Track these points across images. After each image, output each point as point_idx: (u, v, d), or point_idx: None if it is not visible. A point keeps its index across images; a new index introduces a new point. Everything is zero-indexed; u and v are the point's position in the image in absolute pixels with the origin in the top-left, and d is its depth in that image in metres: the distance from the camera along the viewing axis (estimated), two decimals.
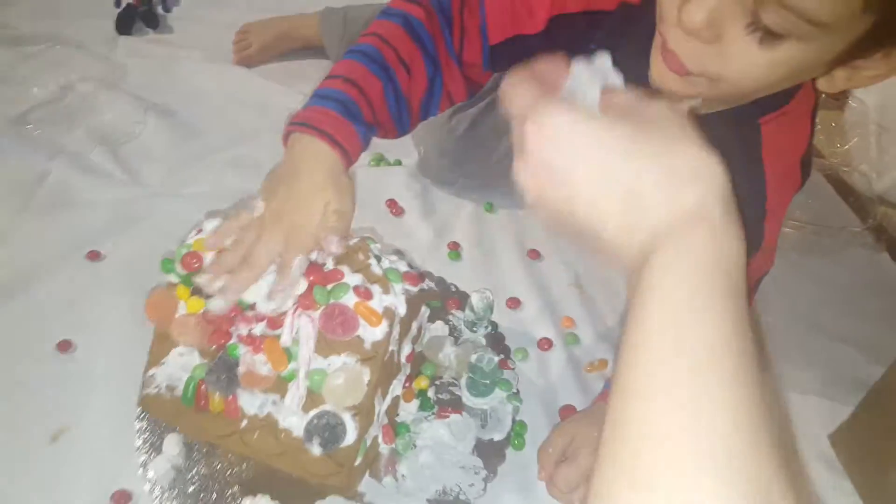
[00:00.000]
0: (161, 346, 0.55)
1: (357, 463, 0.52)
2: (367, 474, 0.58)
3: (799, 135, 0.56)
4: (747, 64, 0.43)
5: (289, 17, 1.16)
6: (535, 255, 0.80)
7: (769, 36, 0.41)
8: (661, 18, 0.46)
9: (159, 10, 1.25)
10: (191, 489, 0.57)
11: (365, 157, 0.93)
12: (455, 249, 0.79)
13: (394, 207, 0.84)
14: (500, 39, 0.57)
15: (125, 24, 1.19)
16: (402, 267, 0.53)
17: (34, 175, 0.88)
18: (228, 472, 0.58)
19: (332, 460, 0.50)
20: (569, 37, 0.55)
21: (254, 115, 1.03)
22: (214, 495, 0.57)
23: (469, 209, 0.85)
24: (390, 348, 0.53)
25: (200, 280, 0.50)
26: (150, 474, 0.57)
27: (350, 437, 0.50)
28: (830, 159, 0.89)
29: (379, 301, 0.50)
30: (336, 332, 0.49)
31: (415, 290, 0.53)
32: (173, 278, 0.53)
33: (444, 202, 0.86)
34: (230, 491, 0.57)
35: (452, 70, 0.59)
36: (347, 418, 0.50)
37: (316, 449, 0.49)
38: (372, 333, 0.50)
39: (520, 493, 0.58)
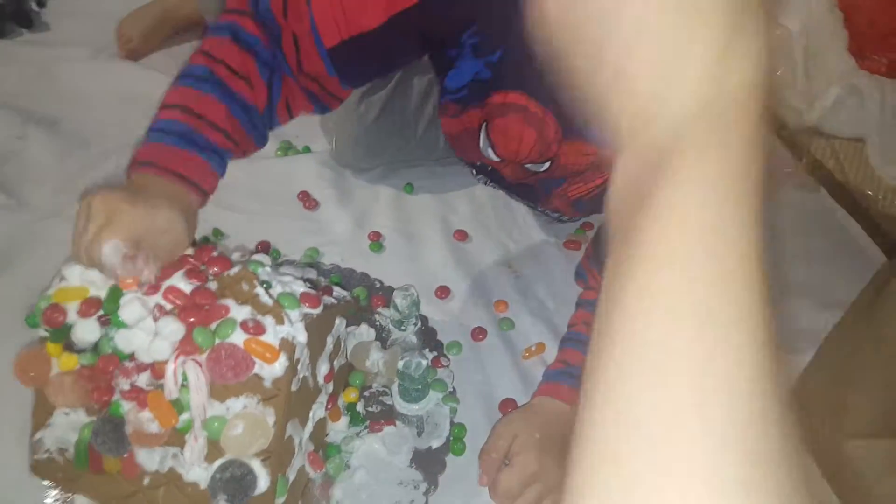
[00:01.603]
0: (43, 407, 0.49)
1: (281, 501, 0.48)
2: None
3: None
4: None
5: (163, 0, 1.07)
6: (461, 235, 0.75)
7: None
8: None
9: (32, 5, 1.13)
10: None
11: (272, 146, 0.86)
12: (376, 240, 0.74)
13: (306, 200, 0.78)
14: (336, 41, 0.52)
15: None
16: (298, 288, 0.48)
17: None
18: None
19: None
20: (413, 33, 0.52)
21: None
22: None
23: (388, 193, 0.79)
24: (300, 375, 0.48)
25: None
26: None
27: (262, 484, 0.45)
28: None
29: (273, 333, 0.45)
30: (227, 376, 0.44)
31: (316, 311, 0.48)
32: (42, 332, 0.47)
33: (361, 189, 0.80)
34: None
35: (287, 81, 0.53)
36: (256, 465, 0.45)
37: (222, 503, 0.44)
38: (270, 370, 0.45)
39: (463, 501, 0.55)
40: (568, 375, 0.57)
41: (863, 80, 0.80)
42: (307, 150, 0.85)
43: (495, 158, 0.62)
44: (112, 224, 0.42)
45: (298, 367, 0.47)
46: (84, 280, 0.46)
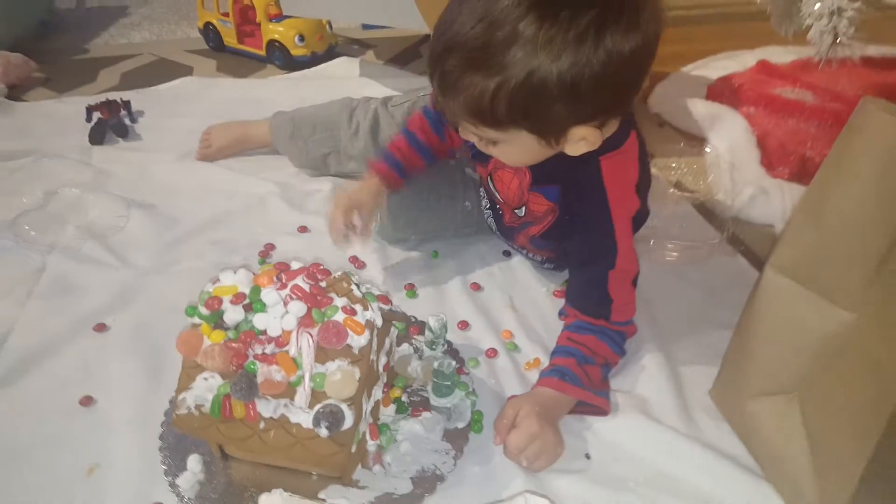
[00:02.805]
0: (187, 376, 0.68)
1: (353, 448, 0.67)
2: (359, 466, 0.72)
3: (631, 167, 0.78)
4: (496, 153, 0.73)
5: (246, 123, 1.33)
6: (476, 287, 0.98)
7: (491, 143, 0.71)
8: None
9: (126, 121, 1.42)
10: (215, 496, 0.70)
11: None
12: (411, 289, 0.96)
13: (356, 262, 1.01)
14: None
15: (97, 136, 1.35)
16: (376, 291, 0.70)
17: (32, 269, 1.00)
18: (244, 478, 0.71)
19: (334, 442, 0.64)
20: None
21: (224, 201, 1.19)
22: (235, 498, 0.69)
23: (419, 257, 1.03)
24: (371, 356, 0.69)
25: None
26: (179, 488, 0.70)
27: (348, 421, 0.64)
28: (696, 192, 1.12)
29: (362, 316, 0.66)
30: (331, 341, 0.65)
31: (387, 308, 0.70)
32: (196, 320, 0.68)
33: (398, 254, 1.04)
34: (247, 493, 0.70)
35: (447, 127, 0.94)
36: (345, 408, 0.65)
37: (323, 431, 0.63)
38: (358, 341, 0.66)
39: (482, 465, 0.73)
40: (557, 373, 0.77)
41: (770, 183, 1.08)
42: None
43: (500, 199, 0.90)
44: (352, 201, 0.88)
45: (374, 344, 0.68)
46: (234, 281, 0.68)
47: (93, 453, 0.73)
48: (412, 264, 1.02)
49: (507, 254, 1.05)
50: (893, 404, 0.54)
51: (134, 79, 1.68)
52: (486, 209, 0.99)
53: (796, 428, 0.64)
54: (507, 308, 0.94)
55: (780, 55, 1.50)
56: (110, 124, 1.38)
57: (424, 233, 1.05)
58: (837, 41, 0.69)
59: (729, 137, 1.18)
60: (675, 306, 0.92)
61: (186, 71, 1.73)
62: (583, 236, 0.81)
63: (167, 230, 1.11)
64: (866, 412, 0.57)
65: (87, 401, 0.80)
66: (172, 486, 0.69)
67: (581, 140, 0.69)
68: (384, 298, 0.70)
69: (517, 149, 0.71)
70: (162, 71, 1.73)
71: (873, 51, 1.45)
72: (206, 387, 0.68)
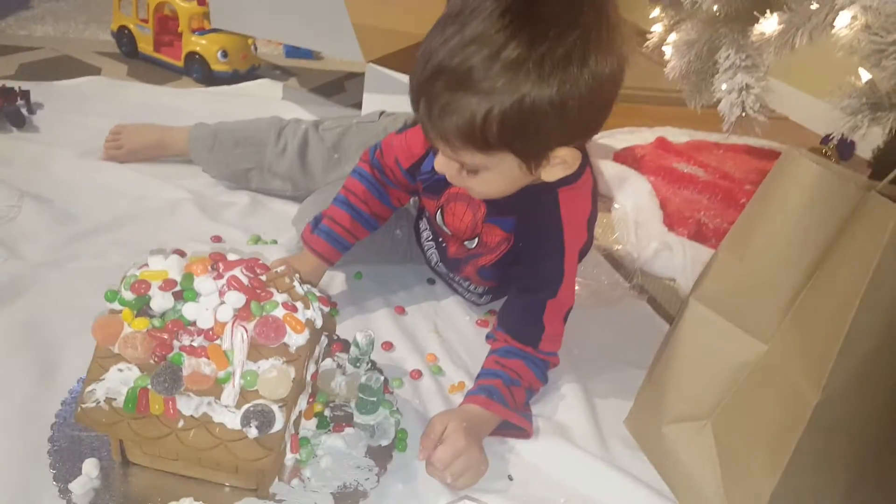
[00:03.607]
0: (99, 366, 0.62)
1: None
2: (276, 480, 0.68)
3: (585, 202, 0.83)
4: (472, 183, 0.74)
5: (162, 128, 1.26)
6: (400, 310, 0.97)
7: (471, 172, 0.72)
8: None
9: (24, 112, 1.31)
10: None
11: (244, 237, 1.07)
12: (334, 306, 0.94)
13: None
14: (409, 165, 0.90)
15: None
16: (317, 292, 0.68)
17: None
18: (147, 487, 0.65)
19: (261, 445, 0.61)
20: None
21: (129, 203, 1.11)
22: None
23: (340, 277, 1.01)
24: (305, 359, 0.66)
25: None
26: (72, 494, 0.62)
27: (279, 423, 0.61)
28: (605, 244, 1.21)
29: (302, 314, 0.64)
30: (269, 337, 0.62)
31: (326, 309, 0.68)
32: (116, 305, 0.63)
33: None
34: (150, 503, 0.63)
35: (391, 190, 0.94)
36: (276, 409, 0.61)
37: (252, 431, 0.59)
38: (296, 340, 0.63)
39: (405, 483, 0.71)
40: (485, 391, 0.77)
41: (672, 239, 1.19)
42: (274, 242, 1.07)
43: (448, 232, 0.89)
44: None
45: (311, 346, 0.66)
46: (164, 266, 0.64)
47: None
48: (334, 284, 1.00)
49: (432, 281, 1.06)
50: (805, 423, 0.60)
51: (34, 71, 1.57)
52: (428, 241, 0.99)
53: (709, 452, 0.69)
54: (431, 333, 0.94)
55: (676, 135, 1.67)
56: (5, 112, 1.27)
57: (350, 255, 1.04)
58: (743, 114, 0.79)
59: (634, 197, 1.29)
60: (590, 343, 0.96)
61: (94, 71, 1.64)
62: (532, 265, 0.83)
63: (64, 226, 1.03)
64: (778, 434, 0.62)
65: None
66: (63, 492, 0.62)
67: (561, 163, 0.71)
68: (325, 300, 0.68)
69: (497, 176, 0.72)
70: (66, 67, 1.63)
71: (754, 142, 1.67)
72: (121, 379, 0.62)
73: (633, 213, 1.26)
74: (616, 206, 1.30)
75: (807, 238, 0.61)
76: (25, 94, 1.34)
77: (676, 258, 1.14)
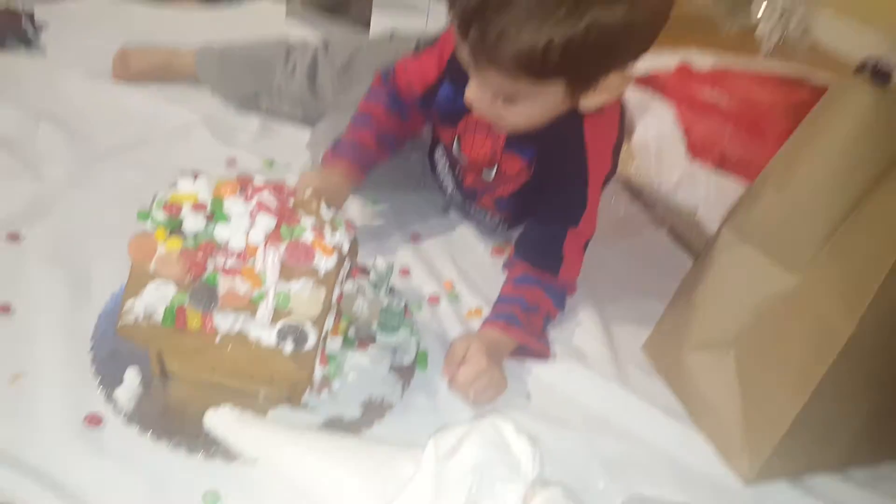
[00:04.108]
0: (137, 282, 0.64)
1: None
2: (307, 391, 0.71)
3: (612, 129, 0.83)
4: (506, 114, 0.74)
5: (167, 50, 1.24)
6: (416, 238, 0.99)
7: (508, 100, 0.71)
8: None
9: (28, 30, 1.28)
10: (155, 411, 0.66)
11: (259, 161, 1.08)
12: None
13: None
14: (421, 91, 0.89)
15: None
16: (343, 217, 0.70)
17: None
18: (186, 396, 0.68)
19: (295, 361, 0.64)
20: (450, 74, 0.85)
21: (143, 125, 1.11)
22: (177, 414, 0.66)
23: (356, 204, 1.02)
24: (335, 280, 0.68)
25: None
26: (117, 401, 0.65)
27: (311, 340, 0.64)
28: (625, 173, 1.21)
29: (330, 238, 0.66)
30: (299, 259, 0.64)
31: (352, 235, 0.70)
32: (149, 225, 0.64)
33: None
34: (191, 409, 0.67)
35: (409, 111, 0.92)
36: (308, 327, 0.64)
37: (289, 346, 0.62)
38: (325, 263, 0.65)
39: (428, 398, 0.75)
40: (503, 317, 0.80)
41: (696, 169, 1.19)
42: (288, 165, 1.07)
43: (465, 162, 0.90)
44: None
45: (339, 269, 0.67)
46: (194, 188, 0.65)
47: (15, 362, 0.67)
48: (350, 211, 1.01)
49: (446, 210, 1.07)
50: (835, 354, 0.62)
51: None
52: (445, 171, 0.99)
53: (730, 378, 0.71)
54: (447, 260, 0.96)
55: (700, 60, 1.62)
56: (11, 29, 1.24)
57: (365, 183, 1.05)
58: (782, 39, 0.77)
59: (656, 125, 1.28)
60: (609, 273, 0.99)
61: None
62: (554, 194, 0.84)
63: (81, 146, 1.03)
64: (805, 363, 0.64)
65: (3, 309, 0.72)
66: (109, 398, 0.65)
67: (606, 90, 0.70)
68: (350, 225, 0.70)
69: (537, 105, 0.71)
70: None
71: (782, 69, 1.61)
72: (158, 295, 0.64)
73: (654, 141, 1.25)
74: (637, 133, 1.29)
75: (855, 168, 0.60)
76: (30, 16, 1.31)
77: (699, 188, 1.14)
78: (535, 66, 0.64)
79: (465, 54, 0.69)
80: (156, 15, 1.52)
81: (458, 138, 0.89)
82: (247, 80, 1.20)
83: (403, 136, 0.94)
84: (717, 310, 0.74)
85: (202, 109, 1.18)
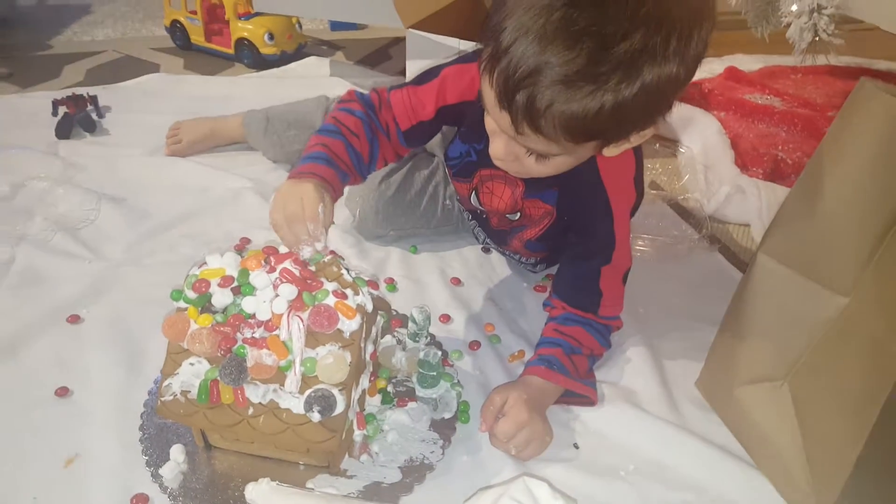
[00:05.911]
0: (173, 362, 0.67)
1: (343, 434, 0.66)
2: (346, 456, 0.71)
3: (627, 161, 0.80)
4: (535, 169, 0.69)
5: (216, 118, 1.32)
6: (456, 281, 0.98)
7: (541, 157, 0.67)
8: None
9: (94, 116, 1.38)
10: (199, 486, 0.68)
11: None
12: (391, 283, 0.96)
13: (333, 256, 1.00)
14: (407, 126, 0.82)
15: (64, 130, 1.32)
16: (366, 276, 0.70)
17: (1, 260, 0.97)
18: (229, 469, 0.69)
19: (326, 428, 0.64)
20: (451, 119, 0.81)
21: (196, 195, 1.17)
22: (220, 488, 0.68)
23: (397, 253, 1.03)
24: (361, 342, 0.68)
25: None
26: (163, 479, 0.68)
27: (340, 406, 0.64)
28: (672, 192, 1.16)
29: (353, 300, 0.66)
30: (323, 325, 0.64)
31: (376, 293, 0.70)
32: (182, 304, 0.67)
33: (376, 250, 1.04)
34: (233, 483, 0.68)
35: (383, 141, 0.82)
36: (336, 392, 0.64)
37: (315, 416, 0.62)
38: (349, 325, 0.65)
39: (470, 455, 0.73)
40: (545, 362, 0.78)
41: (746, 182, 1.12)
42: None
43: (485, 210, 0.89)
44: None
45: (364, 330, 0.68)
46: (221, 264, 0.67)
47: (70, 444, 0.71)
48: (391, 259, 1.02)
49: (487, 250, 1.06)
50: (893, 380, 0.56)
51: (99, 75, 1.65)
52: (470, 220, 0.98)
53: (787, 415, 0.65)
54: (488, 302, 0.94)
55: (748, 63, 1.55)
56: (77, 118, 1.34)
57: (403, 229, 1.05)
58: (817, 39, 0.72)
59: (702, 139, 1.22)
60: (657, 301, 0.94)
61: (153, 68, 1.71)
62: (581, 235, 0.81)
63: (139, 223, 1.09)
64: (863, 393, 0.59)
65: (62, 392, 0.77)
66: (155, 476, 0.68)
67: (637, 139, 0.67)
68: (373, 284, 0.70)
69: (570, 160, 0.68)
70: (127, 68, 1.70)
71: (837, 61, 1.51)
72: (193, 372, 0.66)
73: (701, 155, 1.20)
74: (682, 149, 1.24)
75: (887, 180, 0.55)
76: (94, 100, 1.41)
77: (751, 201, 1.07)
78: (581, 131, 0.61)
79: (500, 121, 0.64)
80: (207, 85, 1.61)
81: (476, 190, 0.88)
82: (291, 140, 1.24)
83: (366, 162, 0.82)
84: (763, 340, 0.68)
85: (251, 174, 1.23)
